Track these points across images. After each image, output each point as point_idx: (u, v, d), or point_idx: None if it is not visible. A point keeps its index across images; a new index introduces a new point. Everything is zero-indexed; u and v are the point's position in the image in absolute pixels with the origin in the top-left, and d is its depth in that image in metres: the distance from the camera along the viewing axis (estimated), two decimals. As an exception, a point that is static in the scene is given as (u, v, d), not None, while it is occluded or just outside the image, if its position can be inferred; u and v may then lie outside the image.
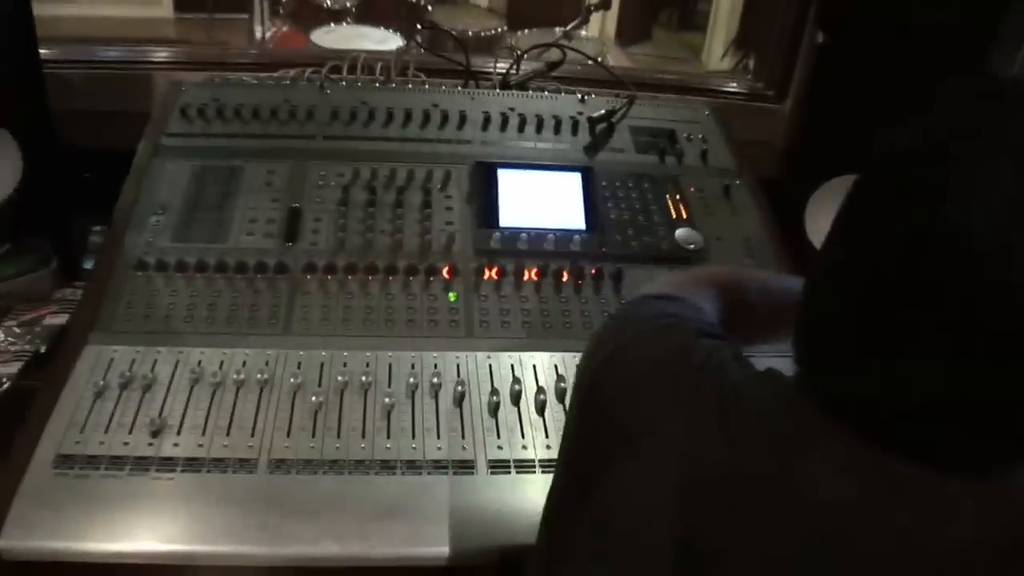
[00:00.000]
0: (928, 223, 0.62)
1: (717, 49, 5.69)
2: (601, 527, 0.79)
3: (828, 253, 0.72)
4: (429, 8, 4.06)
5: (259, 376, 1.22)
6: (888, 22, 1.65)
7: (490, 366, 1.28)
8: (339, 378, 1.23)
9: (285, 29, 4.35)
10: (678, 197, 1.58)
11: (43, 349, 1.43)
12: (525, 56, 1.96)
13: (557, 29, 3.65)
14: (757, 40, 2.48)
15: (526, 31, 3.91)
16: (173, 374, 1.21)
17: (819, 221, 1.69)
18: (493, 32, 3.90)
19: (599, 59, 2.03)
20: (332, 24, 3.90)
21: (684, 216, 1.54)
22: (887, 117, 0.71)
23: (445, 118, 1.64)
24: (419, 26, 3.88)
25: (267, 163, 1.55)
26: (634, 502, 0.77)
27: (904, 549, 0.65)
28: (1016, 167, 0.60)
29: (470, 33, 3.84)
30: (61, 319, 1.51)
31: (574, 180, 1.55)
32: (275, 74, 1.86)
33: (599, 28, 5.22)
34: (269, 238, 1.42)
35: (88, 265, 1.71)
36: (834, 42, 1.74)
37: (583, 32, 3.56)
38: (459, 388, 1.23)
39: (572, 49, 1.90)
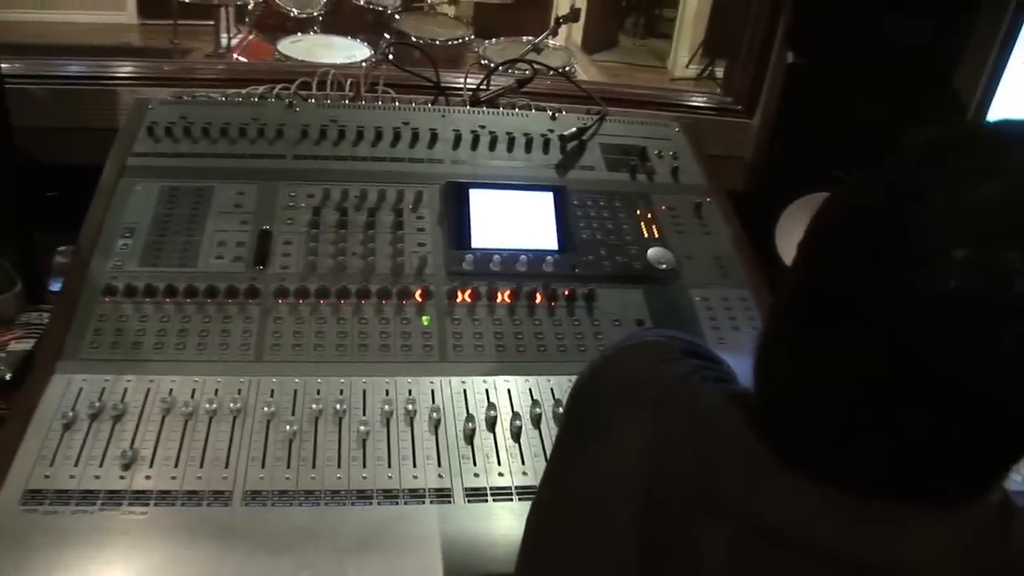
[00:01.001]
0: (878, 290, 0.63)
1: (683, 56, 5.73)
2: (568, 508, 0.82)
3: (780, 313, 0.74)
4: (396, 17, 4.04)
5: (232, 405, 1.20)
6: (858, 42, 1.66)
7: (465, 391, 1.28)
8: (313, 406, 1.22)
9: (251, 37, 4.32)
10: (649, 215, 1.58)
11: (8, 376, 1.40)
12: (492, 70, 1.96)
13: (525, 39, 3.67)
14: (723, 51, 2.49)
15: (494, 40, 3.91)
16: (144, 404, 1.20)
17: (789, 238, 1.70)
18: (461, 41, 3.89)
19: (569, 73, 2.04)
20: (299, 33, 3.87)
21: (656, 235, 1.55)
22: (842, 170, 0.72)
23: (416, 136, 1.64)
24: (387, 36, 3.86)
25: (236, 184, 1.53)
26: (599, 484, 0.79)
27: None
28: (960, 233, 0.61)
29: (438, 42, 3.83)
30: (27, 344, 1.48)
31: (546, 200, 1.55)
32: (243, 91, 1.83)
33: (565, 36, 5.23)
34: (239, 261, 1.41)
35: (54, 287, 1.68)
36: (804, 61, 1.75)
37: (551, 42, 3.56)
38: (434, 415, 1.22)
39: (542, 65, 1.90)
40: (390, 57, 2.21)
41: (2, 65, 1.70)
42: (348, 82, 1.83)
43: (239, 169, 1.55)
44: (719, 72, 4.64)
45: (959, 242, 0.60)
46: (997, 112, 1.61)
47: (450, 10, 4.69)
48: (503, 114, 1.74)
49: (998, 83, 1.61)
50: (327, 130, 1.63)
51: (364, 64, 2.56)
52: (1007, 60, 1.58)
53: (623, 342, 0.91)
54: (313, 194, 1.52)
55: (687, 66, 5.70)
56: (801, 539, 0.68)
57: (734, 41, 2.17)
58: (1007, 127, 0.68)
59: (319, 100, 1.76)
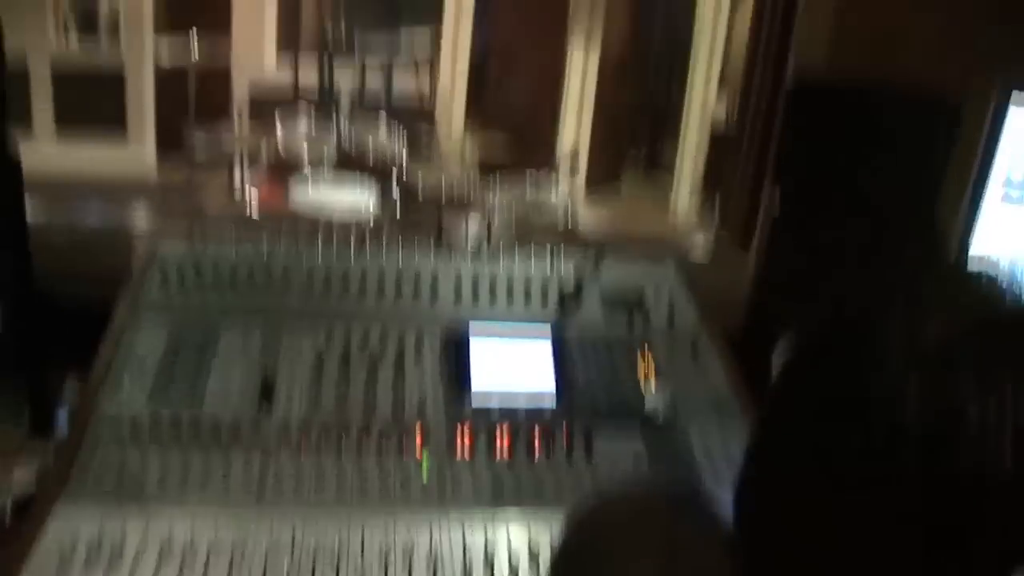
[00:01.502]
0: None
1: (685, 189, 5.87)
2: None
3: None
4: (402, 161, 4.17)
5: (231, 550, 1.21)
6: (840, 179, 1.73)
7: (464, 537, 1.28)
8: (312, 552, 1.22)
9: (263, 179, 4.45)
10: (647, 357, 1.61)
11: (8, 507, 1.43)
12: (494, 214, 2.02)
13: (528, 172, 3.79)
14: (721, 186, 2.57)
15: (497, 178, 4.03)
16: (142, 548, 1.20)
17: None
18: (465, 182, 4.00)
19: (568, 213, 2.11)
20: (309, 176, 4.00)
21: (653, 377, 1.57)
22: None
23: (418, 281, 1.69)
24: (393, 181, 3.98)
25: (243, 326, 1.57)
26: None
27: None
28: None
29: (442, 183, 3.95)
30: (30, 474, 1.51)
31: (544, 345, 1.58)
32: (253, 236, 1.90)
33: (568, 174, 5.38)
34: (244, 402, 1.44)
35: (61, 420, 1.71)
36: (790, 198, 1.82)
37: (554, 186, 3.68)
38: (432, 563, 1.23)
39: (542, 210, 1.97)
40: (395, 200, 2.29)
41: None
42: (353, 228, 1.89)
43: (246, 311, 1.60)
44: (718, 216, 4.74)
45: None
46: (978, 247, 1.64)
47: (455, 151, 4.84)
48: (503, 259, 1.79)
49: (976, 217, 1.65)
50: (332, 275, 1.68)
51: (370, 209, 2.64)
52: (982, 194, 1.63)
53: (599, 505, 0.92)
54: (317, 337, 1.56)
55: (689, 198, 5.83)
56: None
57: (729, 183, 2.25)
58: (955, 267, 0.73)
59: (325, 246, 1.81)
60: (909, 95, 1.73)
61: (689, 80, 6.07)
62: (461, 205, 3.87)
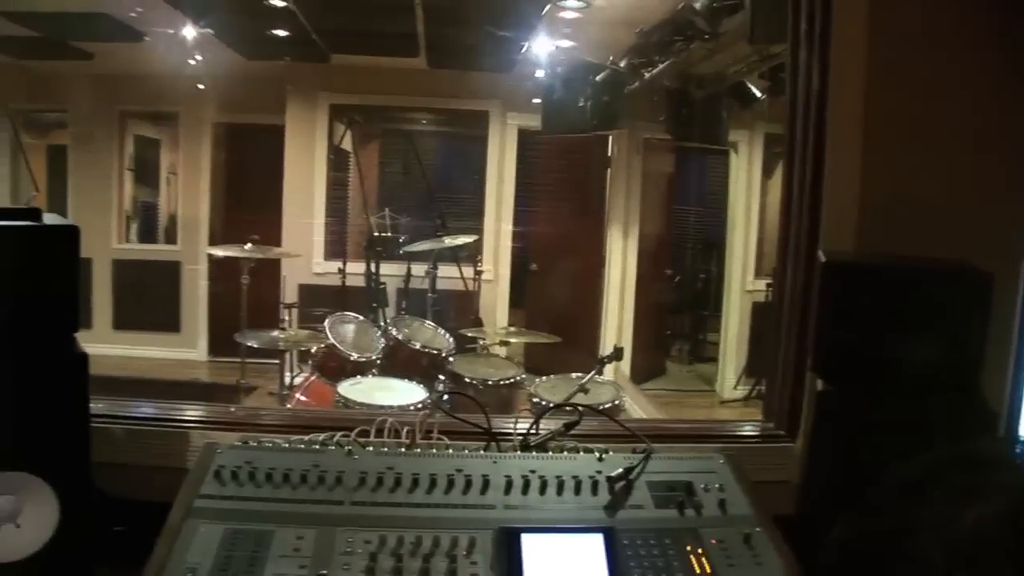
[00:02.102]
0: None
1: (729, 378, 5.88)
2: None
3: None
4: (450, 360, 4.25)
5: None
6: (878, 365, 1.75)
7: None
8: None
9: (313, 379, 4.55)
10: (700, 551, 1.59)
11: None
12: (544, 416, 2.05)
13: (574, 375, 3.83)
14: (765, 371, 2.60)
15: (544, 378, 4.08)
16: None
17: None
18: (512, 381, 4.06)
19: (616, 408, 2.14)
20: (358, 376, 4.09)
21: (708, 570, 1.55)
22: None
23: (468, 483, 1.70)
24: (441, 378, 4.06)
25: (296, 528, 1.58)
26: None
27: None
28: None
29: (490, 383, 4.01)
30: None
31: (597, 541, 1.57)
32: (305, 437, 1.94)
33: (614, 369, 5.43)
34: (298, 609, 1.43)
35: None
36: (831, 388, 1.83)
37: (599, 377, 3.73)
38: None
39: (587, 407, 2.00)
40: (445, 398, 2.33)
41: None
42: (404, 429, 1.93)
43: (299, 514, 1.62)
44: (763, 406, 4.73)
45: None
46: None
47: (502, 351, 4.93)
48: (552, 458, 1.81)
49: (1021, 392, 1.66)
50: (384, 477, 1.70)
51: (419, 409, 2.69)
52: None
53: None
54: (370, 540, 1.56)
55: (735, 387, 5.83)
56: None
57: (772, 372, 2.27)
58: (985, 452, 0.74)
59: (376, 447, 1.85)
60: (941, 268, 1.78)
61: (726, 270, 6.22)
62: (511, 399, 3.92)
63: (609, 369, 5.19)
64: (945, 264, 1.80)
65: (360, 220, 6.28)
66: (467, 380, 3.99)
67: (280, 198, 6.89)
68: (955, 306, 1.76)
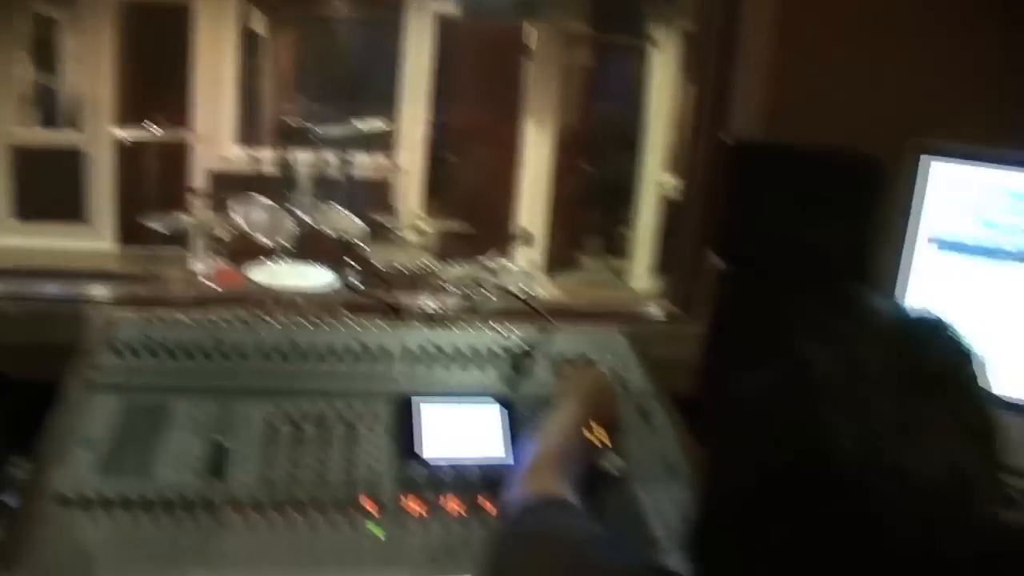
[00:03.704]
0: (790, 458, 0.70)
1: (641, 271, 5.97)
2: None
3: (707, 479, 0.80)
4: (363, 246, 4.20)
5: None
6: (776, 245, 1.79)
7: (415, 599, 1.29)
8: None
9: (222, 265, 4.46)
10: (603, 425, 1.63)
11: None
12: (448, 291, 2.06)
13: (485, 261, 3.84)
14: (671, 263, 2.65)
15: (456, 265, 4.07)
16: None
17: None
18: (424, 267, 4.04)
19: (522, 291, 2.15)
20: (269, 262, 4.01)
21: (604, 441, 1.59)
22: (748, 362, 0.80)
23: (370, 355, 1.71)
24: (350, 264, 4.01)
25: (195, 400, 1.57)
26: None
27: None
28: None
29: (402, 269, 3.98)
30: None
31: (494, 412, 1.60)
32: (208, 313, 1.91)
33: (527, 260, 5.45)
34: (195, 475, 1.43)
35: (8, 499, 1.69)
36: (732, 268, 1.87)
37: (511, 265, 3.72)
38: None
39: (494, 284, 2.00)
40: (354, 284, 2.32)
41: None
42: (308, 305, 1.92)
43: (197, 387, 1.61)
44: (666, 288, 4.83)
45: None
46: (914, 293, 1.71)
47: (415, 239, 4.88)
48: (455, 331, 1.82)
49: (909, 265, 1.72)
50: (284, 350, 1.70)
51: (325, 289, 2.66)
52: (911, 246, 1.72)
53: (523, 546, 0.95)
54: (270, 410, 1.56)
55: (646, 281, 5.93)
56: None
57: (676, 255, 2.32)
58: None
59: (280, 322, 1.84)
60: (838, 154, 1.82)
61: (642, 166, 6.24)
62: (416, 284, 3.92)
63: (523, 261, 5.22)
64: (842, 151, 1.83)
65: (273, 106, 6.10)
66: (379, 266, 3.96)
67: (189, 82, 6.63)
68: (850, 192, 1.80)
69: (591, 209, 6.51)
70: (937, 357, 0.77)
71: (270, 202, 4.50)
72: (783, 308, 0.82)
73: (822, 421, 0.70)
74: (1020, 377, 1.64)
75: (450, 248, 5.01)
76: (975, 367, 0.78)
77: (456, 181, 5.58)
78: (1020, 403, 1.62)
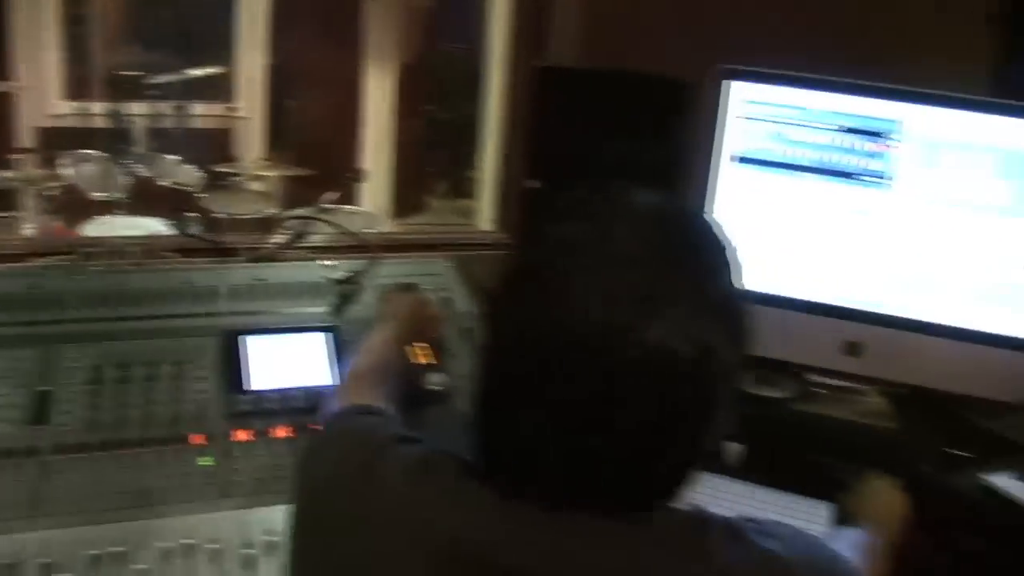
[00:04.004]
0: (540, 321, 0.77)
1: (487, 210, 6.05)
2: None
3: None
4: (201, 195, 4.13)
5: (8, 563, 1.21)
6: (584, 164, 1.87)
7: (245, 523, 1.33)
8: (90, 563, 1.23)
9: (54, 223, 4.31)
10: (425, 345, 1.69)
11: None
12: (284, 233, 2.07)
13: (326, 205, 3.83)
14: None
15: (298, 210, 4.04)
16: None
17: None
18: (266, 214, 4.00)
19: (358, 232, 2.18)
20: (102, 216, 3.91)
21: (431, 361, 1.65)
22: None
23: (195, 294, 1.71)
24: (187, 213, 3.94)
25: (14, 350, 1.55)
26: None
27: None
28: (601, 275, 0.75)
29: (242, 216, 3.95)
30: None
31: (320, 340, 1.64)
32: (28, 263, 1.88)
33: (373, 202, 5.45)
34: (15, 424, 1.42)
35: None
36: (537, 185, 1.95)
37: (350, 207, 3.77)
38: (215, 558, 1.26)
39: (321, 220, 2.03)
40: (186, 230, 2.29)
41: None
42: (132, 250, 1.90)
43: (17, 336, 1.58)
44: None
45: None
46: (718, 207, 1.82)
47: (257, 186, 4.83)
48: (281, 267, 1.84)
49: (714, 181, 1.83)
50: (109, 294, 1.68)
51: (158, 237, 2.63)
52: (718, 160, 1.82)
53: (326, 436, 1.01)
54: (93, 354, 1.56)
55: (487, 207, 5.99)
56: (520, 561, 0.79)
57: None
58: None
59: (103, 268, 1.81)
60: (646, 79, 1.91)
61: (486, 107, 6.27)
62: (254, 228, 3.88)
63: (369, 204, 5.22)
64: (648, 75, 1.92)
65: (102, 57, 5.83)
66: (218, 215, 3.91)
67: (5, 28, 6.24)
68: (656, 113, 1.90)
69: (437, 151, 6.51)
70: (688, 241, 0.83)
71: (101, 154, 4.37)
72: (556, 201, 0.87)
73: (569, 292, 0.76)
74: (815, 278, 1.79)
75: (294, 193, 4.98)
76: (727, 256, 0.85)
77: (298, 126, 5.48)
78: (798, 300, 1.78)
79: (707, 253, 0.84)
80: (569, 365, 0.75)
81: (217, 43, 5.82)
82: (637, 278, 0.76)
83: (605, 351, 0.74)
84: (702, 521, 0.84)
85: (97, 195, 4.14)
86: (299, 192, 4.67)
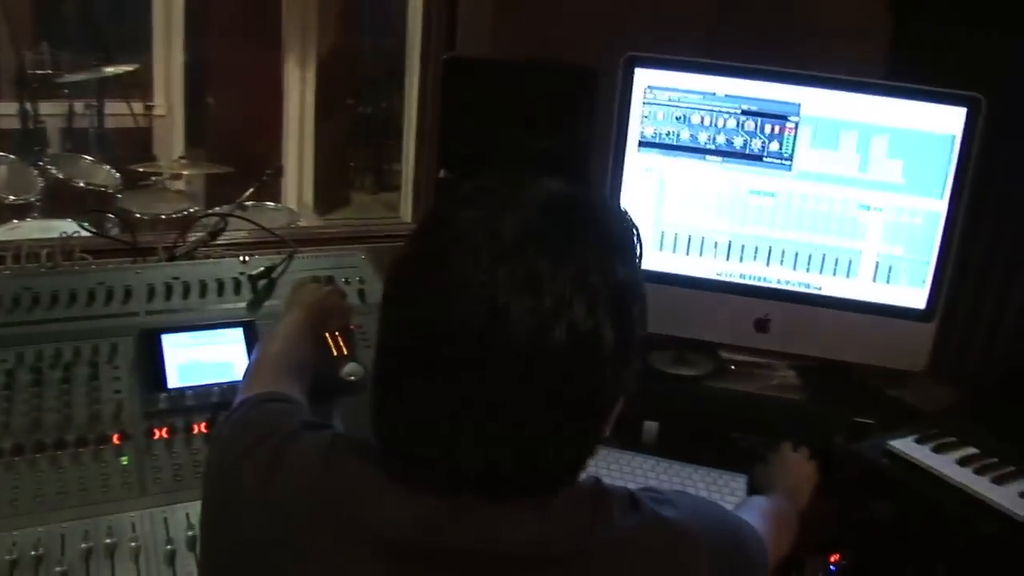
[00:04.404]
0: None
1: (407, 204, 6.04)
2: None
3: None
4: (118, 196, 4.06)
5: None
6: (495, 154, 1.90)
7: (165, 519, 1.34)
8: (9, 558, 1.23)
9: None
10: (339, 335, 1.70)
11: None
12: (202, 231, 2.06)
13: (249, 204, 3.81)
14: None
15: (219, 208, 4.00)
16: None
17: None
18: (186, 213, 3.95)
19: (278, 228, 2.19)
20: (15, 220, 3.82)
21: (346, 352, 1.67)
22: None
23: (110, 294, 1.70)
24: (103, 213, 3.88)
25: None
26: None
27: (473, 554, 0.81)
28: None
29: (162, 216, 3.89)
30: None
31: (236, 335, 1.65)
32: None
33: (296, 198, 5.41)
34: (-76, 431, 1.41)
35: None
36: (451, 175, 1.98)
37: (274, 204, 3.77)
38: (136, 555, 1.27)
39: (238, 217, 2.03)
40: (101, 231, 2.27)
41: None
42: (44, 253, 1.87)
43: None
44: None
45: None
46: (626, 190, 1.87)
47: (178, 185, 4.76)
48: (197, 265, 1.84)
49: (621, 165, 1.88)
50: (20, 297, 1.65)
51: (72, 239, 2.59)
52: (624, 144, 1.87)
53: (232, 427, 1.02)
54: (6, 359, 1.53)
55: (409, 201, 5.99)
56: (426, 543, 0.81)
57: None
58: None
59: (14, 271, 1.79)
60: (554, 67, 1.94)
61: (407, 99, 6.27)
62: (172, 227, 3.84)
63: (291, 200, 5.19)
64: (556, 63, 1.96)
65: (9, 54, 5.67)
66: (138, 215, 3.85)
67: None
68: (564, 100, 1.94)
69: (361, 145, 6.49)
70: (577, 226, 0.84)
71: (10, 156, 4.26)
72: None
73: (451, 280, 0.78)
74: (723, 257, 1.85)
75: (214, 191, 4.92)
76: (628, 240, 0.88)
77: (218, 123, 5.42)
78: (708, 280, 1.83)
79: (599, 237, 0.85)
80: (451, 352, 0.78)
81: (132, 40, 5.72)
82: (518, 265, 0.77)
83: (485, 337, 0.76)
84: (601, 493, 0.87)
85: (10, 198, 4.03)
86: (220, 190, 4.62)
